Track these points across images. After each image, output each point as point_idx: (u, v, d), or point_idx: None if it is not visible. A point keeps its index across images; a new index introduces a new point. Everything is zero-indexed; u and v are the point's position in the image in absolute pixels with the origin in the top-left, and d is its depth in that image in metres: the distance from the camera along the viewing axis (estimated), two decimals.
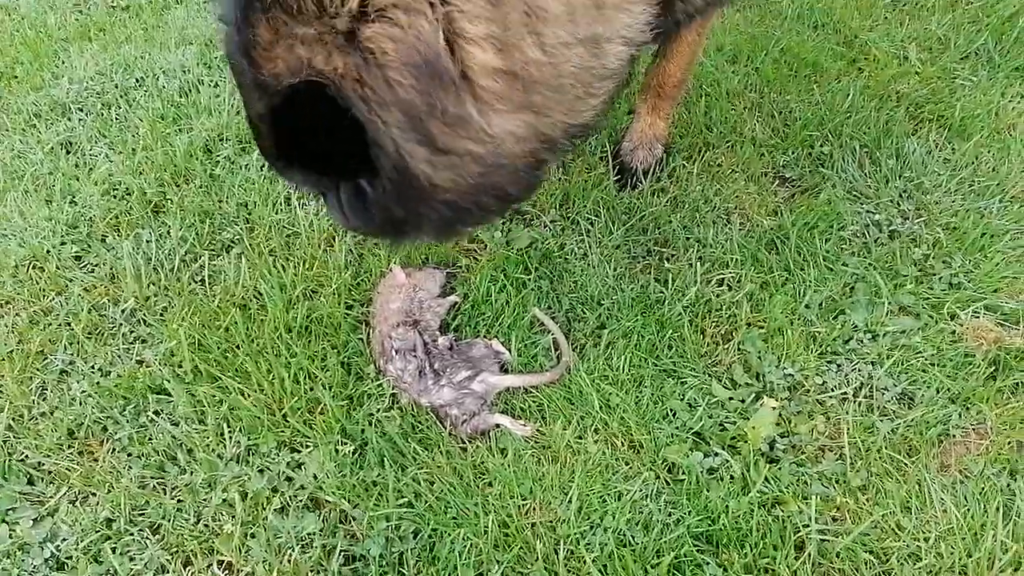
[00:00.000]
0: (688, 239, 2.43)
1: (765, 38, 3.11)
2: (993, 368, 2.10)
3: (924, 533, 1.81)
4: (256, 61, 1.28)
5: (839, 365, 2.12)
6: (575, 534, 1.79)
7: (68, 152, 2.76)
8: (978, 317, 2.21)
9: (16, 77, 3.10)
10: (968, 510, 1.84)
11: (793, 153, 2.68)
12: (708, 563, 1.74)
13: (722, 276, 2.33)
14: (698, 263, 2.34)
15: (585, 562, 1.74)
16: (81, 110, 2.93)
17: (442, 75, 1.25)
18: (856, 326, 2.20)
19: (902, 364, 2.11)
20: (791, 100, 2.87)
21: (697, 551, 1.76)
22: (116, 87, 3.02)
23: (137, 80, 3.06)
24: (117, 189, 2.60)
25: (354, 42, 1.22)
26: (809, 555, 1.75)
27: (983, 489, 1.88)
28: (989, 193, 2.55)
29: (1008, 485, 1.88)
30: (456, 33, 1.23)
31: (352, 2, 1.19)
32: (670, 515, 1.83)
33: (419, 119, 1.27)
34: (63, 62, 3.17)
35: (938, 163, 2.66)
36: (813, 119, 2.77)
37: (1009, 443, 1.97)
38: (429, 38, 1.22)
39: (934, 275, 2.32)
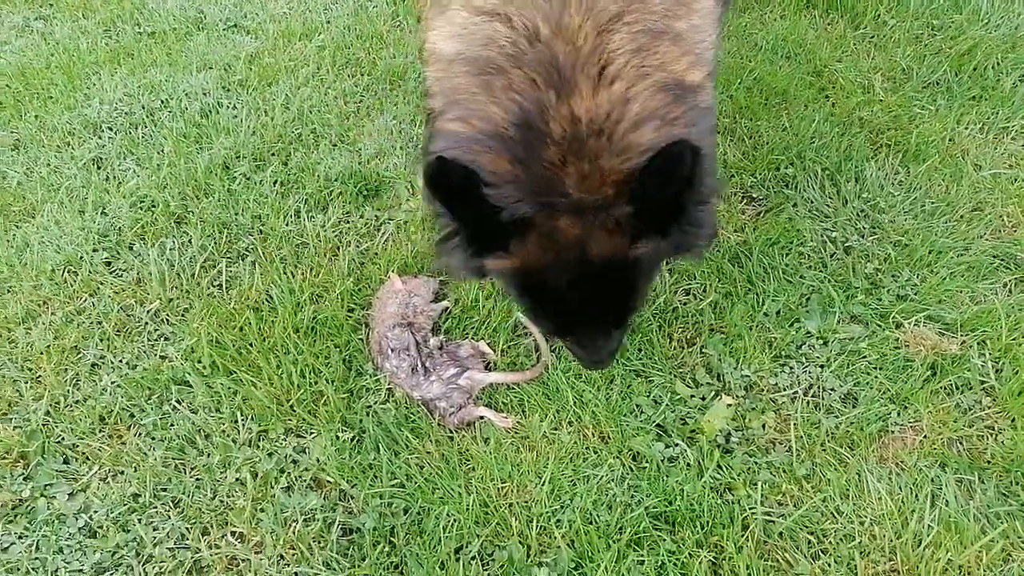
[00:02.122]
0: None
1: (740, 68, 3.35)
2: (930, 372, 2.32)
3: (860, 517, 2.02)
4: (585, 197, 1.50)
5: (791, 367, 2.34)
6: (547, 512, 2.01)
7: (99, 167, 3.01)
8: (919, 326, 2.43)
9: (52, 98, 3.36)
10: (900, 498, 2.05)
11: (760, 175, 2.91)
12: (664, 539, 1.96)
13: (689, 286, 2.55)
14: (668, 274, 2.57)
15: (555, 537, 1.96)
16: (111, 129, 3.19)
17: (691, 86, 1.58)
18: (809, 333, 2.42)
19: (848, 367, 2.33)
20: (761, 126, 3.11)
21: (654, 528, 1.98)
22: (143, 108, 3.28)
23: (162, 102, 3.32)
24: (144, 202, 2.85)
25: (637, 119, 1.51)
26: (753, 533, 1.97)
27: (915, 480, 2.09)
28: (939, 213, 2.78)
29: (937, 476, 2.09)
30: (673, 74, 1.57)
31: (604, 105, 1.49)
32: (632, 497, 2.05)
33: (700, 120, 1.59)
34: (94, 84, 3.43)
35: (893, 185, 2.89)
36: (780, 143, 3.01)
37: (941, 439, 2.18)
38: (661, 78, 1.54)
39: (883, 287, 2.54)
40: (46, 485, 2.07)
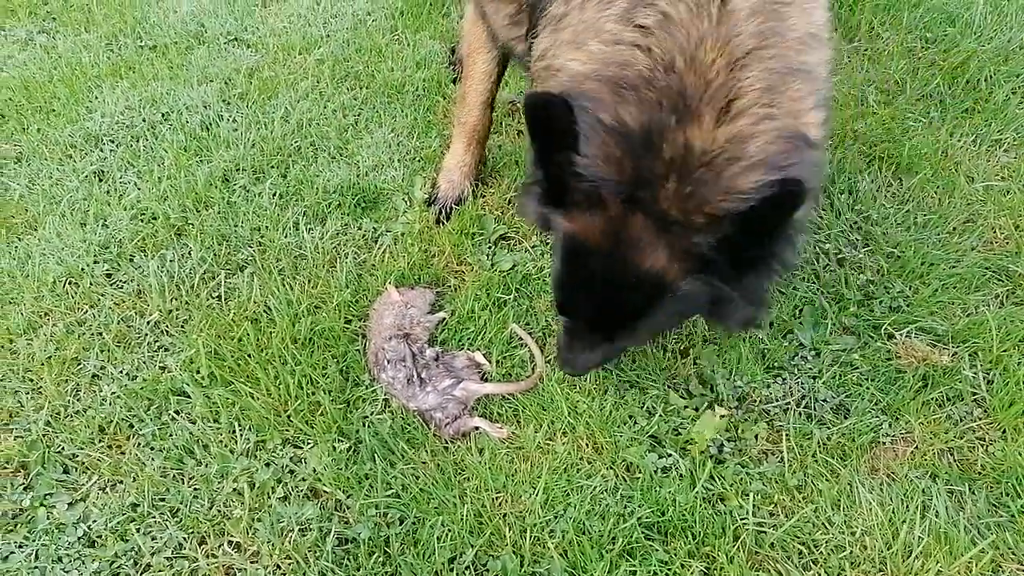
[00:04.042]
0: None
1: None
2: (922, 383, 2.34)
3: (851, 528, 2.04)
4: (672, 214, 1.58)
5: (784, 378, 2.36)
6: (540, 523, 2.03)
7: (100, 180, 3.04)
8: (911, 338, 2.45)
9: (54, 111, 3.40)
10: (891, 509, 2.07)
11: None
12: (656, 549, 1.98)
13: None
14: None
15: (548, 547, 1.98)
16: (112, 142, 3.23)
17: (810, 142, 1.58)
18: (802, 344, 2.45)
19: (840, 378, 2.35)
20: None
21: (647, 539, 2.00)
22: (144, 121, 3.32)
23: (163, 115, 3.36)
24: (144, 214, 2.88)
25: (750, 161, 1.53)
26: (745, 543, 1.99)
27: (906, 491, 2.11)
28: (931, 225, 2.80)
29: (928, 487, 2.11)
30: (797, 114, 1.58)
31: (720, 141, 1.53)
32: (625, 507, 2.06)
33: (811, 179, 1.56)
34: (96, 97, 3.47)
35: (886, 197, 2.92)
36: None
37: (932, 450, 2.20)
38: (784, 125, 1.56)
39: (875, 299, 2.57)
40: (46, 495, 2.09)
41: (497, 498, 2.10)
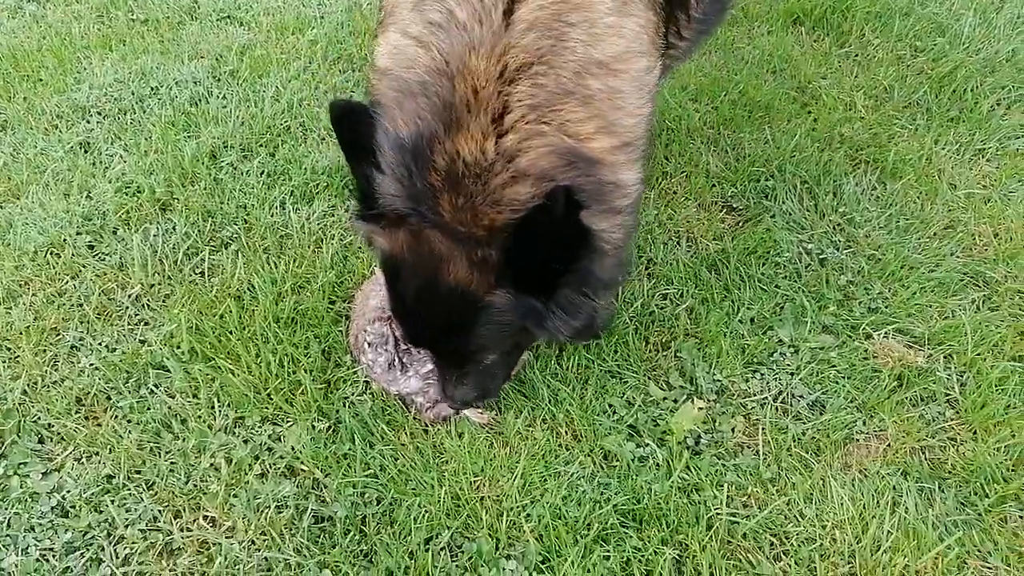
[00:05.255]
0: (640, 257, 2.70)
1: (726, 80, 3.41)
2: (897, 383, 2.37)
3: (822, 521, 2.07)
4: (458, 227, 1.57)
5: (762, 374, 2.39)
6: (517, 507, 2.04)
7: (86, 151, 3.02)
8: (888, 338, 2.49)
9: (41, 80, 3.36)
10: (862, 504, 2.10)
11: (741, 186, 2.97)
12: (631, 536, 2.00)
13: (667, 291, 2.60)
14: (647, 279, 2.62)
15: (523, 531, 1.99)
16: (100, 114, 3.20)
17: (588, 159, 1.56)
18: (781, 341, 2.47)
19: (817, 375, 2.38)
20: (744, 138, 3.17)
21: (622, 525, 2.02)
22: (132, 94, 3.29)
23: (152, 89, 3.33)
24: (129, 187, 2.86)
25: (520, 174, 1.52)
26: (718, 532, 2.01)
27: (877, 487, 2.14)
28: (912, 229, 2.84)
29: (899, 484, 2.15)
30: (574, 136, 1.55)
31: (490, 153, 1.51)
32: (601, 494, 2.08)
33: (596, 194, 1.58)
34: (85, 69, 3.44)
35: (870, 201, 2.95)
36: (762, 156, 3.06)
37: (904, 448, 2.24)
38: (557, 142, 1.53)
39: (855, 300, 2.60)
40: (20, 464, 2.08)
41: (475, 481, 2.11)
